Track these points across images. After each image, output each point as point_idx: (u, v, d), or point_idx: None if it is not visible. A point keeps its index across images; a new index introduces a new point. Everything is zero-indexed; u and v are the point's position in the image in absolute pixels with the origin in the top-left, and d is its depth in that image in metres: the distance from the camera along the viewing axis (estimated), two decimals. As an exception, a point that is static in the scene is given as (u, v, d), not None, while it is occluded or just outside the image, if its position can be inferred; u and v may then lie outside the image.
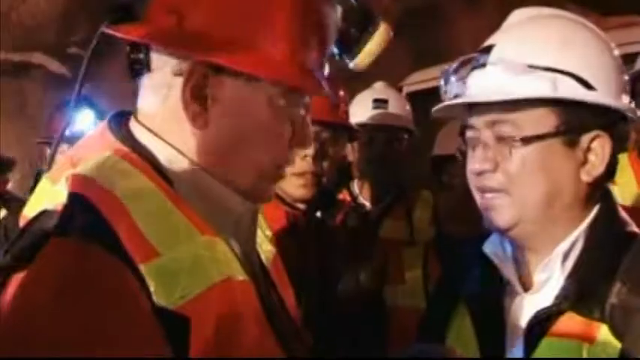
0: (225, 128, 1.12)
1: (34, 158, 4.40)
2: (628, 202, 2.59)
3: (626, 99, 1.36)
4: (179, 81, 1.11)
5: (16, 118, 5.32)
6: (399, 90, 4.56)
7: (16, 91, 5.48)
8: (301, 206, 2.15)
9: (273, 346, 1.13)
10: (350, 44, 1.32)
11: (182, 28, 1.11)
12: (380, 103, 3.06)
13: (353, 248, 2.30)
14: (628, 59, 2.74)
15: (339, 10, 1.25)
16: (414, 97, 4.35)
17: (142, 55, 1.14)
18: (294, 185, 2.11)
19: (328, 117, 2.15)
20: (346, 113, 2.31)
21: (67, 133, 3.16)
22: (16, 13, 5.24)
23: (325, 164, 2.14)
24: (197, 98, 1.11)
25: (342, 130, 2.25)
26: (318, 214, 2.21)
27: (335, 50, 1.27)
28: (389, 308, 2.69)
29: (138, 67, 1.15)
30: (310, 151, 2.09)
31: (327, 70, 1.21)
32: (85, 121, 3.04)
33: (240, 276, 1.11)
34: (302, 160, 2.09)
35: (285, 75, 1.12)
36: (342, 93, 2.27)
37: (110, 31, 1.14)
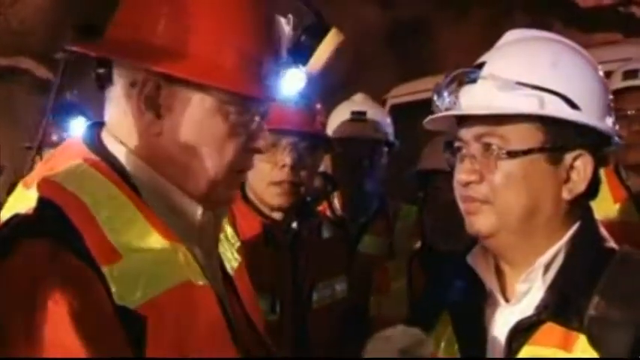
0: (178, 136, 1.17)
1: (19, 163, 4.40)
2: (603, 217, 2.61)
3: (609, 121, 1.40)
4: (135, 92, 1.16)
5: (2, 122, 5.31)
6: (383, 102, 4.58)
7: (2, 95, 5.47)
8: (277, 217, 2.18)
9: (231, 350, 1.17)
10: (302, 51, 1.35)
11: (136, 41, 1.17)
12: (358, 115, 3.06)
13: (328, 260, 2.32)
14: (611, 76, 2.79)
15: (291, 18, 1.29)
16: (397, 110, 4.38)
17: (104, 70, 1.20)
18: (271, 194, 2.13)
19: (305, 127, 2.18)
20: (323, 124, 2.34)
21: (56, 139, 3.15)
22: (3, 17, 5.24)
23: (303, 174, 2.17)
24: (151, 107, 1.16)
25: (319, 140, 2.28)
26: (294, 224, 2.23)
27: (289, 58, 1.31)
28: (372, 318, 2.71)
29: (102, 81, 1.21)
30: (288, 160, 2.12)
31: (281, 79, 1.25)
32: (77, 129, 3.06)
33: (201, 281, 1.16)
34: (280, 170, 2.12)
35: (233, 82, 1.16)
36: (318, 105, 2.29)
37: (75, 48, 1.22)
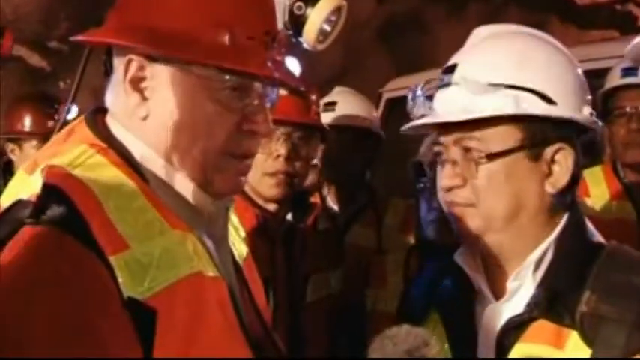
0: (165, 116, 1.14)
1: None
2: (601, 215, 2.62)
3: (587, 110, 1.39)
4: (123, 75, 1.14)
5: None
6: (379, 96, 4.56)
7: (-7, 83, 5.41)
8: (271, 209, 2.16)
9: (241, 343, 1.14)
10: (296, 19, 1.31)
11: (120, 24, 1.16)
12: (327, 106, 3.04)
13: (323, 252, 2.30)
14: (607, 72, 2.78)
15: None
16: (393, 104, 4.37)
17: (107, 58, 1.19)
18: (266, 185, 2.11)
19: (300, 117, 2.16)
20: (318, 114, 2.31)
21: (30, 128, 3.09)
22: (-4, 5, 5.20)
23: (298, 165, 2.14)
24: (137, 89, 1.14)
25: (314, 130, 2.25)
26: (289, 216, 2.21)
27: (283, 31, 1.26)
28: (369, 312, 2.70)
29: (107, 69, 1.20)
30: (282, 151, 2.10)
31: (279, 55, 1.20)
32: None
33: (211, 272, 1.13)
34: (274, 160, 2.10)
35: (214, 56, 1.12)
36: (313, 96, 2.27)
37: (75, 38, 1.19)
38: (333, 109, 3.04)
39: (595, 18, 7.14)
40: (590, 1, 7.35)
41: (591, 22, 7.11)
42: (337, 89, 3.24)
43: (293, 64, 1.99)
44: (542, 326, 1.30)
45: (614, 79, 2.68)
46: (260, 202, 2.15)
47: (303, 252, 2.22)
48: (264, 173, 2.10)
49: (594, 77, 2.80)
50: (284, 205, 2.18)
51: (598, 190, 2.70)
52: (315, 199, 2.98)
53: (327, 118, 2.99)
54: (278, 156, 2.10)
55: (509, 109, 1.32)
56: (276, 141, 2.10)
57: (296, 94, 2.12)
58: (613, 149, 2.71)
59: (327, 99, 3.10)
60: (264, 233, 2.10)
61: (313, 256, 2.26)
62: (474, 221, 1.35)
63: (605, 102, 2.67)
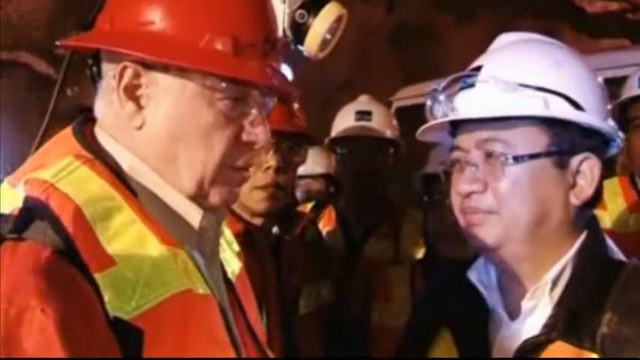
0: (161, 127, 1.10)
1: (16, 159, 4.33)
2: (618, 228, 2.58)
3: (611, 123, 1.35)
4: (116, 82, 1.10)
5: (2, 118, 5.25)
6: (389, 105, 4.53)
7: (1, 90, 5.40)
8: (258, 222, 2.09)
9: None
10: (298, 29, 1.28)
11: (113, 28, 1.12)
12: (363, 115, 3.00)
13: (313, 263, 2.25)
14: (619, 82, 2.74)
15: None
16: (403, 112, 4.34)
17: (95, 64, 1.15)
18: (256, 199, 2.04)
19: (285, 126, 2.08)
20: (302, 122, 2.23)
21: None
22: (3, 12, 5.20)
23: (286, 176, 2.08)
24: (131, 98, 1.10)
25: (300, 138, 2.19)
26: (275, 229, 2.14)
27: (283, 38, 1.23)
28: (374, 327, 2.66)
29: (94, 75, 1.16)
30: (273, 162, 2.03)
31: (276, 62, 1.17)
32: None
33: (201, 289, 1.09)
34: (264, 173, 2.03)
35: (214, 64, 1.08)
36: (296, 105, 2.19)
37: (65, 43, 1.15)
38: (369, 119, 3.00)
39: (606, 26, 7.11)
40: (601, 10, 7.32)
41: (602, 31, 7.08)
42: (365, 97, 3.19)
43: (287, 71, 1.93)
44: (560, 348, 1.24)
45: (632, 89, 2.64)
46: (246, 216, 2.08)
47: (291, 265, 2.16)
48: (254, 187, 2.03)
49: (606, 86, 2.77)
50: (270, 219, 2.12)
51: (615, 202, 2.66)
52: (329, 211, 2.94)
53: (361, 128, 2.96)
54: (268, 168, 2.04)
55: (539, 111, 1.28)
56: (265, 152, 2.04)
57: (282, 102, 2.06)
58: (631, 160, 2.68)
59: (360, 107, 3.06)
60: (252, 247, 2.03)
61: (302, 267, 2.21)
62: (494, 229, 1.29)
63: (622, 112, 2.63)
